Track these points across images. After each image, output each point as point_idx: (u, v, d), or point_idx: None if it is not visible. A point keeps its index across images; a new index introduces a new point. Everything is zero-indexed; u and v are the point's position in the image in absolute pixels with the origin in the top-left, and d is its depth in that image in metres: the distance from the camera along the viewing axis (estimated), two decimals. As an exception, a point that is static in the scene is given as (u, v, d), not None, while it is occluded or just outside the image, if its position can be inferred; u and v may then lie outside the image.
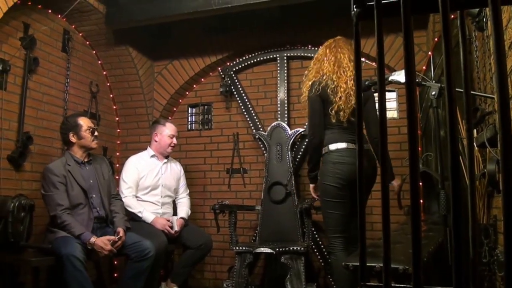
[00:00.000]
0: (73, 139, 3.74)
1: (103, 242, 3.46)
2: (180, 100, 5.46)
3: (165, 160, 4.50)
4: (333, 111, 3.23)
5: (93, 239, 3.43)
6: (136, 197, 4.27)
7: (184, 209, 4.50)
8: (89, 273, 3.33)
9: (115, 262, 4.16)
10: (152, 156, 4.46)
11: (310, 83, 3.38)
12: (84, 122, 3.78)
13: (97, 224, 3.70)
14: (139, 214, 4.17)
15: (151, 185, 4.35)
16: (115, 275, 4.23)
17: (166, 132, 4.41)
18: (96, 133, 3.83)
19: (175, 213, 4.49)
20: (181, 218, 4.37)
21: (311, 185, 3.54)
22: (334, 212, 3.26)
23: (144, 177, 4.33)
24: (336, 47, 3.40)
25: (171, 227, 4.17)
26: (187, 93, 5.45)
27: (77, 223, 3.49)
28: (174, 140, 4.45)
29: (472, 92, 2.65)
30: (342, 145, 3.25)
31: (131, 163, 4.39)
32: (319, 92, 3.26)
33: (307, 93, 3.37)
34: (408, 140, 0.94)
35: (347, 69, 3.28)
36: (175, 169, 4.59)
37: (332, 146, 3.27)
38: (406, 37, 0.94)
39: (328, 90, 3.24)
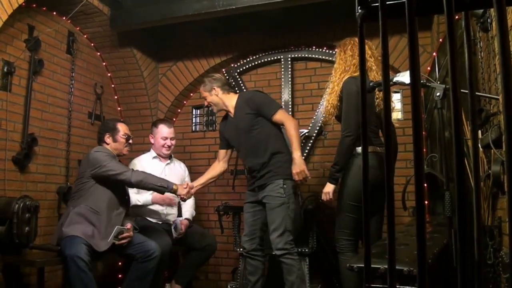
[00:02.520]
0: (108, 140, 3.82)
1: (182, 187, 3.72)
2: (185, 102, 5.47)
3: (169, 161, 4.51)
4: None
5: (175, 186, 3.66)
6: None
7: (189, 210, 4.50)
8: (93, 274, 3.33)
9: (120, 263, 4.16)
10: (155, 157, 4.48)
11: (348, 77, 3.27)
12: (122, 128, 3.88)
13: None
14: (138, 203, 4.21)
15: None
16: (120, 276, 4.24)
17: (159, 134, 4.43)
18: (130, 141, 3.94)
19: (179, 214, 4.49)
20: (186, 219, 4.37)
21: (333, 186, 3.30)
22: (353, 216, 3.21)
23: None
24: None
25: (175, 229, 4.18)
26: (191, 94, 5.46)
27: (151, 175, 3.71)
28: (168, 142, 4.44)
29: (476, 93, 2.64)
30: (369, 148, 3.13)
31: (133, 164, 4.42)
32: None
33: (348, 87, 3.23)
34: (413, 141, 0.94)
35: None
36: (179, 170, 4.60)
37: (360, 149, 3.14)
38: (411, 38, 0.93)
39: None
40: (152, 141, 4.49)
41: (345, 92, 3.22)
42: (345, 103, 3.20)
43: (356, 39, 3.36)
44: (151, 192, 4.21)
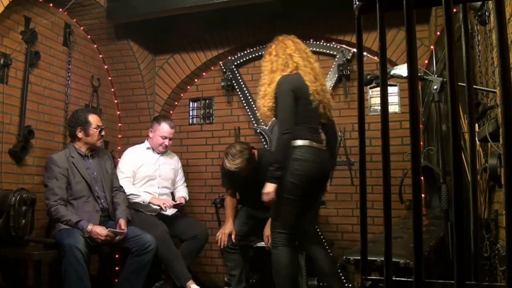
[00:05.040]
0: (79, 134, 3.76)
1: (99, 229, 3.46)
2: (182, 94, 5.45)
3: (162, 153, 4.51)
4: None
5: (90, 226, 3.44)
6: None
7: (182, 191, 4.61)
8: (90, 267, 3.34)
9: (117, 256, 4.17)
10: (148, 148, 4.48)
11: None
12: (94, 120, 3.80)
13: (101, 216, 3.72)
14: (137, 193, 4.22)
15: (148, 175, 4.37)
16: (117, 268, 4.24)
17: (159, 132, 4.40)
18: (103, 133, 3.85)
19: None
20: (182, 197, 4.47)
21: (273, 186, 3.14)
22: (288, 208, 3.20)
23: (141, 167, 4.35)
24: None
25: (170, 207, 4.26)
26: (188, 87, 5.44)
27: (71, 212, 3.49)
28: (166, 142, 4.42)
29: (474, 86, 2.64)
30: (306, 142, 3.20)
31: (127, 154, 4.43)
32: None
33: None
34: (410, 135, 0.94)
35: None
36: (172, 161, 4.61)
37: (296, 142, 3.20)
38: (408, 31, 0.93)
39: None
40: (150, 135, 4.47)
41: (279, 91, 3.21)
42: (280, 102, 3.19)
43: (280, 38, 3.48)
44: (150, 193, 4.27)
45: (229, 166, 3.75)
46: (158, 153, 4.48)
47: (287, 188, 3.15)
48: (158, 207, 4.21)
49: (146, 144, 4.51)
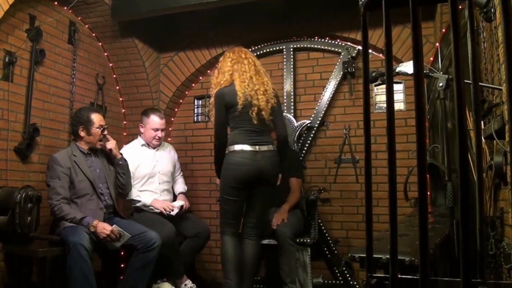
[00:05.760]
0: (82, 133, 3.77)
1: (103, 224, 3.49)
2: (186, 92, 5.46)
3: (158, 147, 4.50)
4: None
5: (95, 222, 3.46)
6: (134, 188, 4.28)
7: (181, 186, 4.62)
8: (94, 265, 3.35)
9: (122, 253, 4.18)
10: (143, 145, 4.45)
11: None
12: (97, 120, 3.81)
13: (105, 214, 3.73)
14: (138, 198, 4.22)
15: (148, 174, 4.35)
16: (122, 265, 4.25)
17: (150, 125, 4.37)
18: (105, 132, 3.86)
19: (174, 200, 4.50)
20: (181, 193, 4.52)
21: (219, 180, 3.78)
22: (225, 207, 3.66)
23: (139, 166, 4.33)
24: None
25: (172, 210, 4.23)
26: (193, 85, 5.44)
27: (75, 210, 3.52)
28: (159, 134, 4.38)
29: (479, 83, 2.63)
30: (238, 147, 3.56)
31: (124, 153, 4.39)
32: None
33: None
34: (416, 132, 0.94)
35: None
36: (169, 154, 4.59)
37: (228, 148, 3.61)
38: (414, 27, 0.93)
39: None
40: (141, 130, 4.44)
41: (213, 106, 3.65)
42: (214, 116, 3.66)
43: (226, 52, 3.85)
44: (152, 191, 4.29)
45: None
46: (154, 148, 4.45)
47: (222, 189, 3.67)
48: (159, 211, 4.23)
49: (140, 140, 4.47)
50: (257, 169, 3.53)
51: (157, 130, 4.38)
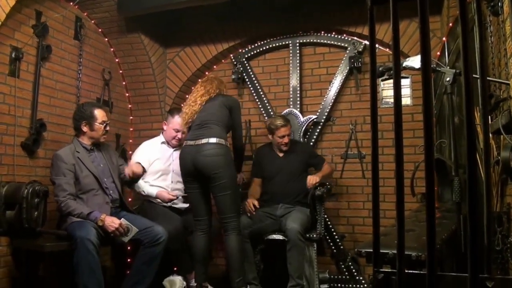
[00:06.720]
0: (84, 128, 3.77)
1: (111, 218, 3.51)
2: (192, 88, 5.45)
3: (177, 146, 4.50)
4: None
5: (103, 216, 3.48)
6: (146, 182, 4.30)
7: None
8: (101, 259, 3.36)
9: (129, 248, 4.19)
10: (163, 142, 4.48)
11: None
12: (99, 115, 3.81)
13: (112, 208, 3.75)
14: (142, 192, 4.25)
15: (162, 170, 4.37)
16: (128, 260, 4.27)
17: (172, 125, 4.40)
18: (108, 128, 3.86)
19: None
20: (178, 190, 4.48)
21: None
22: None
23: (155, 161, 4.35)
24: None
25: (176, 197, 4.26)
26: (199, 80, 5.44)
27: (81, 205, 3.53)
28: (179, 135, 4.39)
29: (487, 78, 2.61)
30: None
31: (142, 147, 4.45)
32: None
33: None
34: (424, 127, 0.93)
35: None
36: None
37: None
38: (422, 21, 0.92)
39: None
40: (164, 128, 4.49)
41: None
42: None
43: (204, 79, 4.27)
44: (156, 186, 4.29)
45: (277, 122, 4.35)
46: (173, 147, 4.48)
47: None
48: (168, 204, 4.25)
49: (161, 138, 4.51)
50: (193, 160, 3.76)
51: (178, 131, 4.39)
